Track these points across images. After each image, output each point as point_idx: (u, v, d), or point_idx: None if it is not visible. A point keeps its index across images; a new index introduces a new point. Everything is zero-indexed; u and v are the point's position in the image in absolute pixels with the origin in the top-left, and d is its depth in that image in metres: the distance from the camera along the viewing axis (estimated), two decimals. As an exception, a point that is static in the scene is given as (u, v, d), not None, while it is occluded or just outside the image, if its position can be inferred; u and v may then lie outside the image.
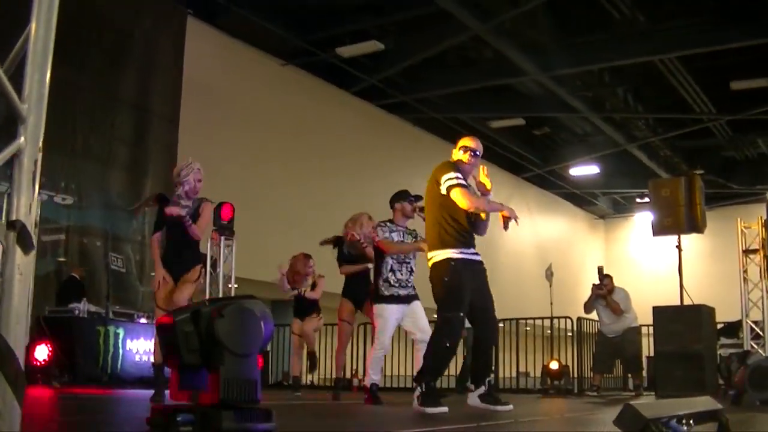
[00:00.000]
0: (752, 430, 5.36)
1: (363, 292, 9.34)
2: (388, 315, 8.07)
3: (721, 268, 21.82)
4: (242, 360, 3.30)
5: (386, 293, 8.06)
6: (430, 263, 6.57)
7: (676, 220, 11.74)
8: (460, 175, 6.43)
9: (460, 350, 9.61)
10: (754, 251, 12.10)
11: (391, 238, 8.16)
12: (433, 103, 20.74)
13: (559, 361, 14.09)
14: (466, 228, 6.51)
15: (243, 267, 13.42)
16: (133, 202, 13.98)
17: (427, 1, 14.42)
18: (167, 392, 4.15)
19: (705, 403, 3.80)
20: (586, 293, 13.07)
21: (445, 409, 6.17)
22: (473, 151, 6.61)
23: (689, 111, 19.75)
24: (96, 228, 13.53)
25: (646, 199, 17.80)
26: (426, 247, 6.83)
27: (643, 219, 27.99)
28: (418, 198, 8.03)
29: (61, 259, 12.86)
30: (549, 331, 15.17)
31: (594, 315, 13.14)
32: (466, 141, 6.70)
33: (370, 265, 9.31)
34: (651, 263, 27.09)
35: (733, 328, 13.13)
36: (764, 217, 11.97)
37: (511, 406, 6.56)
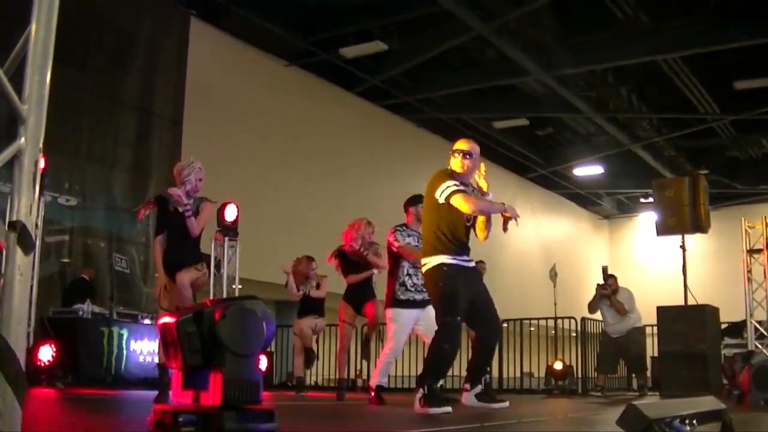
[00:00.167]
0: (756, 429, 5.35)
1: (363, 296, 9.37)
2: (404, 320, 8.05)
3: (725, 268, 21.77)
4: (244, 360, 3.30)
5: (402, 297, 8.04)
6: (423, 269, 6.58)
7: (680, 220, 11.71)
8: (454, 182, 6.38)
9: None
10: (759, 251, 12.09)
11: (411, 239, 8.14)
12: (437, 104, 20.73)
13: (563, 361, 14.09)
14: (461, 239, 6.51)
15: (247, 268, 13.43)
16: (136, 203, 13.93)
17: (430, 1, 14.41)
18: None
19: (708, 403, 3.79)
20: (590, 293, 13.07)
21: (448, 409, 6.18)
22: (465, 153, 6.53)
23: (693, 111, 19.73)
24: (100, 229, 13.56)
25: (650, 199, 17.79)
26: None
27: (647, 219, 27.98)
28: None
29: (65, 260, 12.89)
30: (553, 332, 15.17)
31: (598, 315, 13.14)
32: (457, 144, 6.62)
33: (375, 271, 9.34)
34: (655, 263, 27.06)
35: (737, 328, 13.11)
36: (768, 217, 11.96)
37: (507, 403, 6.57)
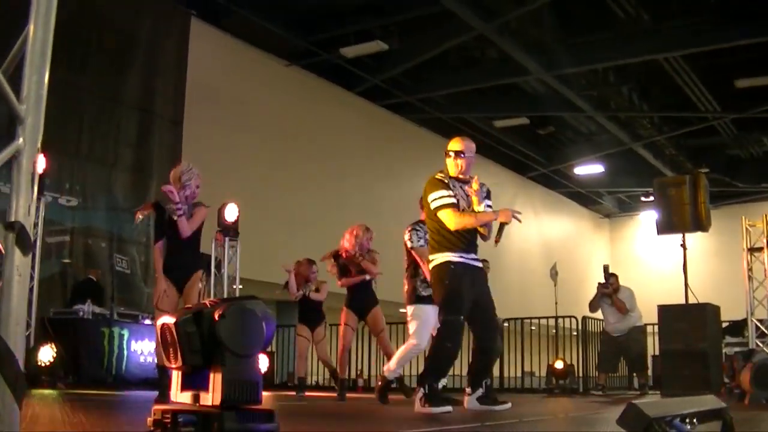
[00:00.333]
0: (757, 428, 5.35)
1: (367, 304, 9.44)
2: (426, 316, 8.01)
3: (726, 267, 21.78)
4: (244, 361, 3.29)
5: (424, 294, 8.00)
6: (430, 266, 6.57)
7: (681, 219, 11.71)
8: (445, 193, 6.38)
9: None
10: (759, 249, 12.10)
11: (425, 241, 8.07)
12: (437, 103, 20.73)
13: (564, 360, 14.08)
14: (467, 236, 6.47)
15: (248, 268, 13.43)
16: (137, 203, 13.95)
17: (430, 0, 14.41)
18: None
19: (709, 401, 3.79)
20: (591, 292, 13.06)
21: (449, 408, 6.18)
22: (457, 153, 6.51)
23: (694, 109, 19.72)
24: (101, 229, 13.56)
25: (651, 198, 17.79)
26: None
27: (648, 218, 27.97)
28: None
29: (66, 261, 12.90)
30: (554, 331, 15.17)
31: (599, 314, 13.13)
32: (450, 144, 6.60)
33: (368, 277, 9.38)
34: (656, 262, 27.07)
35: (738, 327, 13.10)
36: (769, 216, 11.96)
37: (509, 405, 6.56)
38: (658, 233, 12.25)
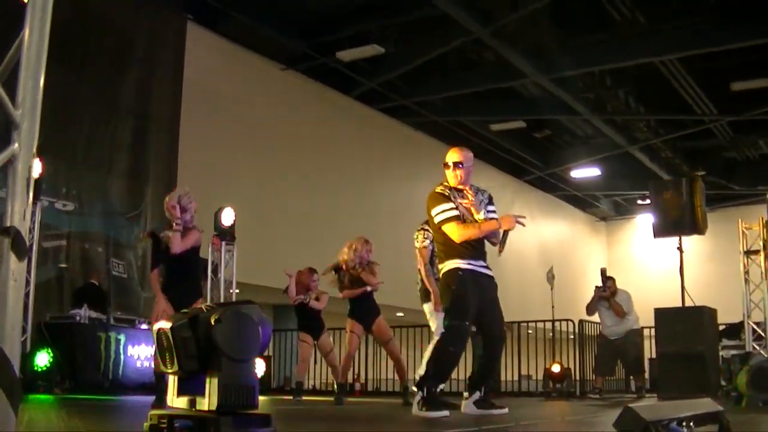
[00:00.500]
0: (754, 431, 5.35)
1: (370, 314, 9.52)
2: None
3: (723, 270, 21.79)
4: (240, 365, 3.29)
5: None
6: (440, 273, 6.61)
7: (677, 222, 11.72)
8: (447, 206, 6.44)
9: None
10: (756, 252, 12.08)
11: (430, 241, 8.08)
12: (434, 107, 20.73)
13: (561, 363, 14.07)
14: (474, 244, 6.49)
15: (244, 272, 13.43)
16: (133, 207, 14.00)
17: (427, 4, 14.40)
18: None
19: (706, 405, 3.79)
20: (588, 295, 13.06)
21: (446, 413, 6.17)
22: (456, 164, 6.56)
23: (690, 112, 19.73)
24: (97, 234, 13.54)
25: (648, 201, 17.80)
26: None
27: (644, 221, 27.96)
28: None
29: (63, 266, 12.87)
30: (551, 334, 15.16)
31: (595, 317, 13.13)
32: (448, 155, 6.64)
33: (369, 288, 9.44)
34: (652, 265, 27.06)
35: (735, 330, 13.09)
36: (765, 218, 11.95)
37: (506, 410, 6.56)
38: (654, 236, 12.26)
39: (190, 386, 3.35)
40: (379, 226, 18.26)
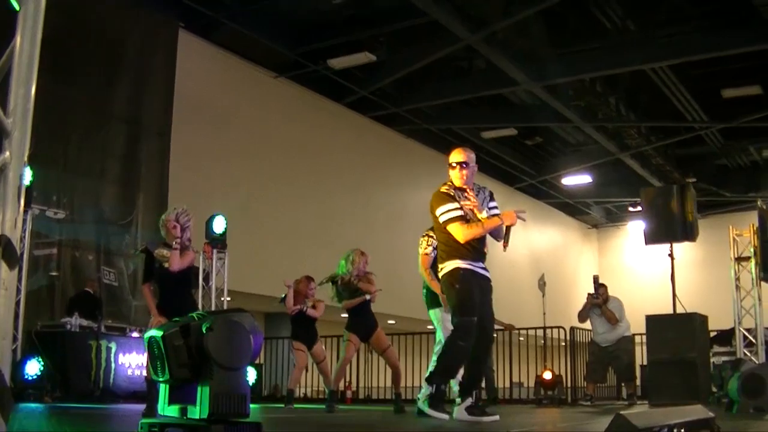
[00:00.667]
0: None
1: (368, 327, 9.54)
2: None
3: (714, 276, 21.83)
4: (232, 374, 3.29)
5: None
6: (440, 274, 6.66)
7: (668, 229, 11.74)
8: (452, 206, 6.50)
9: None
10: (747, 259, 12.10)
11: (432, 248, 8.09)
12: (426, 114, 20.75)
13: (552, 370, 14.07)
14: (475, 245, 6.57)
15: (236, 280, 13.42)
16: (124, 215, 13.96)
17: (418, 12, 14.42)
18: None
19: (697, 411, 3.80)
20: (580, 302, 13.08)
21: (446, 416, 6.23)
22: (461, 163, 6.63)
23: (681, 119, 19.80)
24: (88, 242, 13.49)
25: (639, 208, 17.83)
26: None
27: (635, 228, 28.02)
28: None
29: (54, 274, 12.82)
30: (542, 341, 15.16)
31: (587, 324, 13.14)
32: (452, 156, 6.73)
33: (368, 296, 9.47)
34: (644, 272, 27.11)
35: (726, 336, 13.12)
36: (756, 225, 11.97)
37: (497, 417, 6.56)
38: (645, 243, 12.28)
39: (181, 394, 3.35)
40: (370, 233, 18.27)
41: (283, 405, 11.27)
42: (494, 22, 15.07)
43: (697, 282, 22.99)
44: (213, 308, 12.35)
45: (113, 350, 11.52)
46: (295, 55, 17.00)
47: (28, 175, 9.60)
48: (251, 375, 12.62)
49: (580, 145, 23.37)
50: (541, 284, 14.68)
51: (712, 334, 13.06)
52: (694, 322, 11.36)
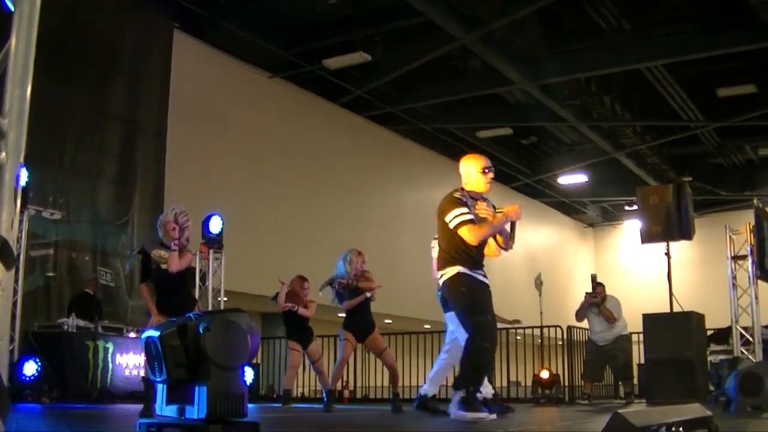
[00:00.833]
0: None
1: (365, 327, 9.55)
2: None
3: (711, 275, 21.84)
4: (229, 374, 3.28)
5: None
6: (441, 281, 6.68)
7: (664, 228, 11.76)
8: (463, 210, 6.53)
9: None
10: (743, 257, 12.12)
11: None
12: (422, 114, 20.73)
13: (549, 370, 14.08)
14: (475, 255, 6.61)
15: (233, 280, 13.41)
16: (121, 216, 13.95)
17: (413, 11, 14.41)
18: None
19: (695, 410, 3.80)
20: (576, 302, 13.08)
21: (485, 414, 6.26)
22: (486, 168, 6.75)
23: (677, 118, 19.80)
24: (85, 242, 13.47)
25: (635, 207, 17.86)
26: None
27: (632, 227, 28.01)
28: None
29: (50, 274, 12.80)
30: (539, 340, 15.17)
31: (584, 323, 13.15)
32: (477, 161, 6.79)
33: (368, 294, 9.48)
34: (640, 271, 27.12)
35: (723, 335, 13.13)
36: (752, 223, 11.99)
37: (494, 416, 6.56)
38: (642, 242, 12.30)
39: (178, 394, 3.34)
40: (367, 233, 18.26)
41: (280, 404, 11.27)
42: (489, 22, 15.07)
43: (694, 281, 23.01)
44: (210, 308, 12.33)
45: (110, 351, 11.51)
46: (290, 55, 16.98)
47: (24, 176, 9.60)
48: (248, 375, 12.61)
49: (576, 144, 23.37)
50: (538, 283, 14.68)
51: (709, 332, 13.08)
52: (691, 320, 11.38)
